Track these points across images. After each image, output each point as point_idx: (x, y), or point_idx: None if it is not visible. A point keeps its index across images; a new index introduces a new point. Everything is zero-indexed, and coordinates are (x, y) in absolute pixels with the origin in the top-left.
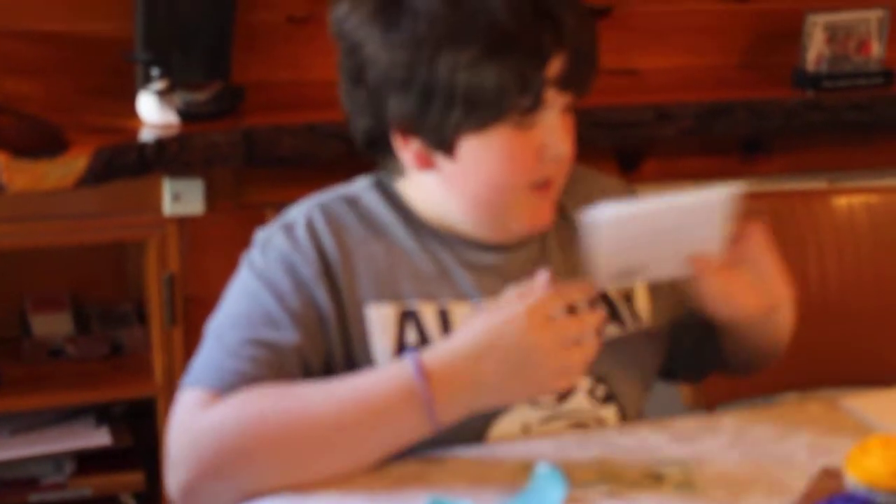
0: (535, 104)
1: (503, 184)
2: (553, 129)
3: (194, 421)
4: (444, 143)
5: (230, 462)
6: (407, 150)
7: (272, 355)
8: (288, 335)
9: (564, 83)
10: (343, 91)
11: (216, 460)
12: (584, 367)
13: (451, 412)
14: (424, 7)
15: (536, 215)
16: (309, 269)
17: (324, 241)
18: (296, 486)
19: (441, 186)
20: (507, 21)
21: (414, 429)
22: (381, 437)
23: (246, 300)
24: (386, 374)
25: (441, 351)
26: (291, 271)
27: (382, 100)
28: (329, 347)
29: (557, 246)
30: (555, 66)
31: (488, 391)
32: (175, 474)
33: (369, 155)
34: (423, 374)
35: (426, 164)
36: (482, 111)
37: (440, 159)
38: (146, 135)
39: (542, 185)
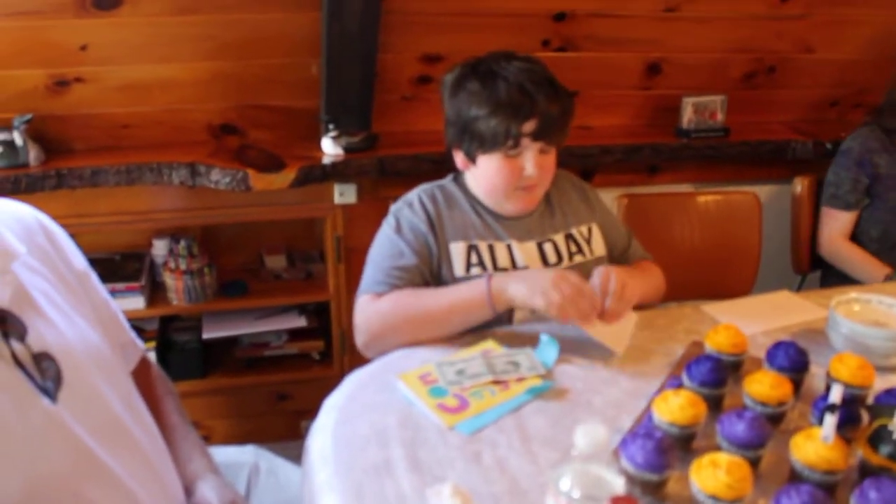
0: (515, 145)
1: (496, 184)
2: (529, 160)
3: (368, 309)
4: (471, 156)
5: (386, 330)
6: (457, 157)
7: (404, 273)
8: (411, 261)
9: (535, 136)
10: (445, 128)
11: (379, 329)
12: (561, 302)
13: (501, 305)
14: (471, 87)
15: (521, 204)
16: (423, 226)
17: (428, 210)
18: (415, 343)
19: (474, 182)
20: (504, 97)
21: (483, 314)
22: (465, 319)
23: (388, 244)
24: (470, 286)
25: (501, 275)
26: (413, 228)
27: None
28: (433, 267)
29: (541, 216)
30: (529, 125)
31: (514, 287)
32: (359, 337)
33: (451, 165)
34: (489, 286)
35: (465, 166)
36: (486, 144)
37: (471, 165)
38: (326, 160)
39: (525, 188)
